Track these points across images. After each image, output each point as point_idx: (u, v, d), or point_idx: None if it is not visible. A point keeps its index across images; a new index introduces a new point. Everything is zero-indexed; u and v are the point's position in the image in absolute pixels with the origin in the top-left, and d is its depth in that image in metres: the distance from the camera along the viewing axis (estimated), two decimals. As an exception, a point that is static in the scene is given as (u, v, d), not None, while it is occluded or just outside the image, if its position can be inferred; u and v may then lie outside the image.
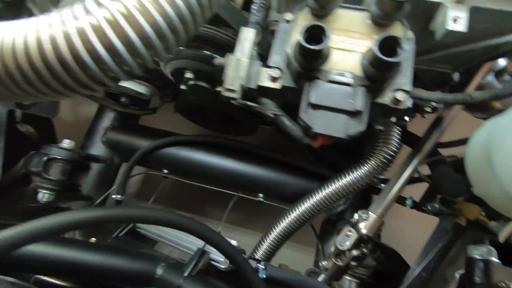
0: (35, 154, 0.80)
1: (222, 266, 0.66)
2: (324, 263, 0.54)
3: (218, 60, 0.33)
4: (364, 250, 0.51)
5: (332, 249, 0.54)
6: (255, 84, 0.32)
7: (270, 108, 0.32)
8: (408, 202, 0.70)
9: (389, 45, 0.26)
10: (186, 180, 0.91)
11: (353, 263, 0.50)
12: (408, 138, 0.67)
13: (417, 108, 0.42)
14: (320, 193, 0.70)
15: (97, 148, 0.98)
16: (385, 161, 0.63)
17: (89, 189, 0.95)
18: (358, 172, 0.65)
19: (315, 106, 0.29)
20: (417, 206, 0.69)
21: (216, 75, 0.60)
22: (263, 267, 0.58)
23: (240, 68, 0.30)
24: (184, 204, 1.23)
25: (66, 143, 0.85)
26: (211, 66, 0.59)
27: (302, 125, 0.29)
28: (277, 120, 0.32)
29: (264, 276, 0.57)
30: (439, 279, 0.50)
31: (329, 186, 0.69)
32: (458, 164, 0.47)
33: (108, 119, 1.02)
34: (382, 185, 0.77)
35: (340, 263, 0.51)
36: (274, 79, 0.32)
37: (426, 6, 0.31)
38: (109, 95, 0.95)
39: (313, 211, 0.71)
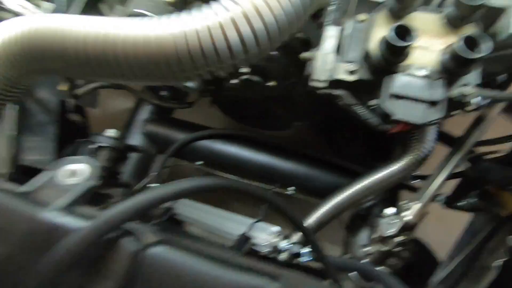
0: (84, 142, 0.85)
1: (265, 250, 0.69)
2: (367, 248, 0.57)
3: (306, 54, 0.37)
4: (408, 236, 0.54)
5: (374, 235, 0.57)
6: (333, 77, 0.36)
7: (346, 98, 0.36)
8: (440, 198, 0.73)
9: (470, 43, 0.30)
10: (219, 172, 0.95)
11: (397, 248, 0.53)
12: (442, 136, 0.70)
13: (461, 105, 0.46)
14: (353, 187, 0.72)
15: (136, 139, 1.03)
16: (420, 158, 0.66)
17: (127, 177, 1.00)
18: (392, 168, 0.68)
19: (396, 96, 0.33)
20: (449, 202, 0.72)
21: (268, 70, 0.64)
22: (308, 250, 0.62)
23: (327, 62, 0.34)
24: (210, 196, 1.27)
25: (111, 132, 0.89)
26: (265, 61, 0.64)
27: (382, 113, 0.33)
28: (352, 109, 0.36)
29: (311, 259, 0.60)
30: (479, 268, 0.53)
31: (362, 181, 0.71)
32: (504, 159, 0.50)
33: (145, 112, 1.06)
34: (414, 181, 0.79)
35: (384, 248, 0.54)
36: (351, 73, 0.36)
37: (492, 11, 0.35)
38: (148, 88, 0.99)
39: (344, 205, 0.74)
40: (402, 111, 0.32)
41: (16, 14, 0.43)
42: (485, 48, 0.30)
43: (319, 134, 0.98)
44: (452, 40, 0.32)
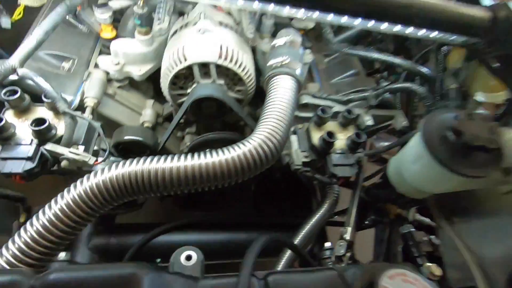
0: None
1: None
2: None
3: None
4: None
5: None
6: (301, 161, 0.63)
7: (311, 172, 0.63)
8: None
9: (357, 136, 0.64)
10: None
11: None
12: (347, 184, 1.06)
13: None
14: (301, 233, 0.94)
15: (83, 256, 0.97)
16: (336, 199, 0.92)
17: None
18: (322, 211, 0.94)
19: (335, 165, 0.62)
20: (358, 227, 1.04)
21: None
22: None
23: (299, 154, 0.61)
24: None
25: (62, 255, 0.85)
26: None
27: (331, 175, 0.61)
28: (314, 177, 0.62)
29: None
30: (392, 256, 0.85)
31: (307, 226, 0.94)
32: (380, 184, 0.86)
33: (89, 224, 1.03)
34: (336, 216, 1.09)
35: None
36: (306, 157, 0.64)
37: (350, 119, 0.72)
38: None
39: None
40: (341, 172, 0.62)
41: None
42: (364, 137, 0.65)
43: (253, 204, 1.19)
44: (347, 133, 0.66)
